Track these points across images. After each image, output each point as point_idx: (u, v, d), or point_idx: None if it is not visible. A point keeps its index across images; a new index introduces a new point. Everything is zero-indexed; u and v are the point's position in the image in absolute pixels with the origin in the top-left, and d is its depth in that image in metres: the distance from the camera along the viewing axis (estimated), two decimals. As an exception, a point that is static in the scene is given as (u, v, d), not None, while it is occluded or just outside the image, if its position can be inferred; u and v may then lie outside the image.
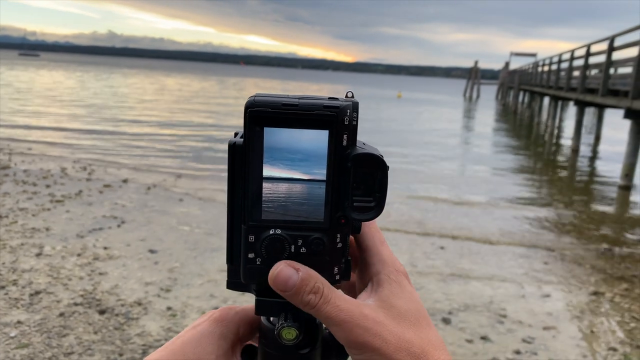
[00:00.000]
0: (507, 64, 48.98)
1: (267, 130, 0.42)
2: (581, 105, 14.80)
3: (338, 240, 0.45)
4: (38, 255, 4.49)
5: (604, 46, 12.47)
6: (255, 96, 0.42)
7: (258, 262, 0.44)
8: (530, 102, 32.89)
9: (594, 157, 14.86)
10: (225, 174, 0.45)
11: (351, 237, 0.49)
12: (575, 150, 14.64)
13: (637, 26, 10.16)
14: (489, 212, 7.45)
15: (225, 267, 0.48)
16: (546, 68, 23.22)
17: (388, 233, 5.85)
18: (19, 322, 3.36)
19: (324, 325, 0.50)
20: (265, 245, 0.44)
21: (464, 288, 4.43)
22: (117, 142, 11.81)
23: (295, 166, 0.43)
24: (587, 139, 17.65)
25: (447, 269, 4.85)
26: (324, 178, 0.43)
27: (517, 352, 3.41)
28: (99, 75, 51.98)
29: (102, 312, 3.55)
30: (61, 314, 3.49)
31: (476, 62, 56.25)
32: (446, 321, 3.76)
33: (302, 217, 0.44)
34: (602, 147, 16.51)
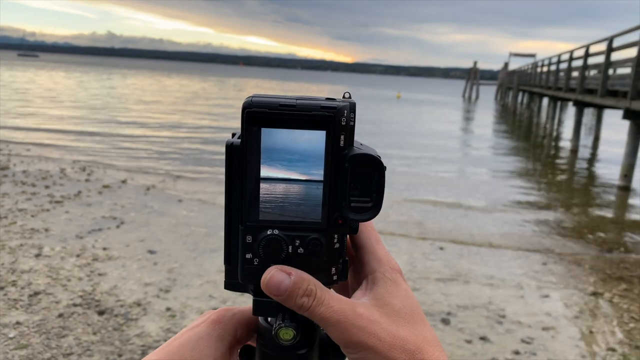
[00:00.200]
0: (506, 65, 49.04)
1: (264, 130, 0.42)
2: (580, 106, 14.81)
3: (335, 240, 0.45)
4: (37, 256, 4.49)
5: (602, 47, 12.49)
6: (252, 97, 0.42)
7: (256, 263, 0.44)
8: (529, 102, 32.92)
9: (593, 157, 14.87)
10: (224, 176, 0.45)
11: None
12: (574, 150, 14.65)
13: (635, 27, 10.17)
14: (488, 213, 7.46)
15: (224, 267, 0.48)
16: (545, 69, 23.24)
17: (387, 235, 5.85)
18: (18, 322, 3.36)
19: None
20: (263, 246, 0.44)
21: (463, 288, 4.43)
22: (117, 144, 11.81)
23: (292, 167, 0.43)
24: (586, 139, 17.66)
25: (446, 270, 4.85)
26: (322, 178, 0.43)
27: (517, 353, 3.41)
28: (99, 76, 51.98)
29: (101, 313, 3.55)
30: (60, 315, 3.48)
31: (475, 63, 56.30)
32: (445, 322, 3.76)
33: (300, 217, 0.44)
34: (601, 148, 16.53)
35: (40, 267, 4.25)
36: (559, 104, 21.12)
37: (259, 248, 0.44)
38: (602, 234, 6.65)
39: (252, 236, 0.44)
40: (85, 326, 3.37)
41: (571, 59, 16.52)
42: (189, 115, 19.63)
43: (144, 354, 3.11)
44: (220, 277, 4.22)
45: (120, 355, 3.08)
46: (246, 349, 0.51)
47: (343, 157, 0.43)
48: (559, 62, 19.29)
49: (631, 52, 10.19)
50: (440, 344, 0.45)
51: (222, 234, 0.47)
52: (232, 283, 0.48)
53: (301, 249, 0.44)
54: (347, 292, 0.48)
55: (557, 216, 7.56)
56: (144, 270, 4.34)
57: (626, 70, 10.79)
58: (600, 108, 15.59)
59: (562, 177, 11.70)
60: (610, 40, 11.88)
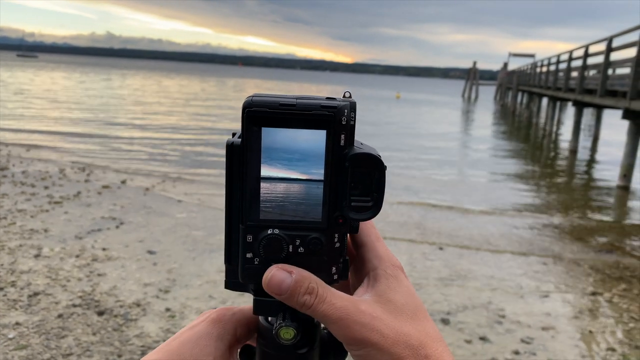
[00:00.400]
0: (505, 65, 49.07)
1: (264, 130, 0.42)
2: (579, 106, 14.82)
3: (336, 240, 0.45)
4: (36, 256, 4.49)
5: (602, 47, 12.50)
6: (252, 96, 0.42)
7: (256, 262, 0.44)
8: (528, 102, 32.95)
9: (592, 157, 14.88)
10: (223, 177, 0.45)
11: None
12: (573, 150, 14.66)
13: (635, 27, 10.18)
14: (487, 214, 7.46)
15: (223, 267, 0.48)
16: (544, 69, 23.25)
17: (387, 234, 5.85)
18: (17, 323, 3.36)
19: (322, 325, 0.51)
20: (264, 245, 0.44)
21: (462, 288, 4.44)
22: (116, 145, 11.81)
23: (293, 166, 0.43)
24: (585, 139, 17.67)
25: (446, 270, 4.85)
26: (322, 178, 0.43)
27: (516, 353, 3.41)
28: (98, 77, 51.97)
29: (100, 314, 3.55)
30: (60, 315, 3.48)
31: (474, 63, 56.34)
32: (445, 322, 3.77)
33: (300, 217, 0.44)
34: (601, 148, 16.54)
35: (39, 267, 4.25)
36: (558, 104, 21.14)
37: (259, 247, 0.44)
38: (601, 234, 6.65)
39: (252, 235, 0.44)
40: (84, 327, 3.37)
41: (570, 59, 16.53)
42: (189, 116, 19.62)
43: (143, 354, 3.11)
44: (220, 277, 4.21)
45: (119, 356, 3.08)
46: (246, 349, 0.51)
47: (343, 156, 0.43)
48: (558, 62, 19.30)
49: (630, 52, 10.20)
50: (444, 339, 0.45)
51: (221, 234, 0.47)
52: (233, 282, 0.48)
53: (302, 249, 0.44)
54: (349, 291, 0.48)
55: (557, 216, 7.57)
56: (144, 271, 4.34)
57: (625, 70, 10.80)
58: (599, 108, 15.60)
59: (561, 177, 11.70)
60: (610, 40, 11.89)
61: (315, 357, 0.50)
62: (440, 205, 7.70)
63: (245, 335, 0.50)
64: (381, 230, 0.47)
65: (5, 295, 3.73)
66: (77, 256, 4.55)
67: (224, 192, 0.46)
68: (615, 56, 11.84)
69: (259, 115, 0.42)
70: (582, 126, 15.73)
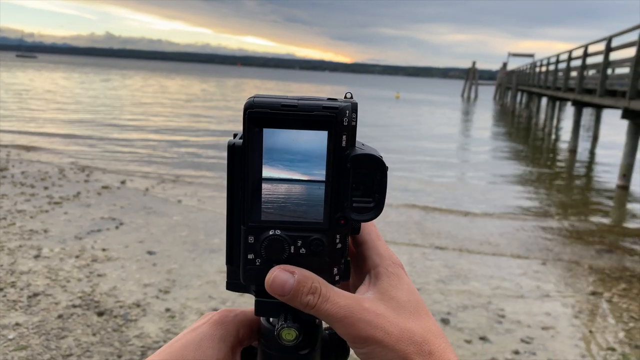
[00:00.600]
0: (504, 65, 49.08)
1: (266, 131, 0.42)
2: (579, 106, 14.83)
3: (337, 240, 0.45)
4: (36, 257, 4.48)
5: (601, 47, 12.51)
6: (254, 97, 0.42)
7: (258, 263, 0.44)
8: (528, 102, 32.96)
9: (591, 157, 14.89)
10: (223, 178, 0.45)
11: None
12: (572, 150, 14.67)
13: (634, 27, 10.18)
14: (487, 213, 7.46)
15: (223, 268, 0.48)
16: (544, 68, 23.27)
17: (387, 236, 5.85)
18: (17, 324, 3.36)
19: (323, 326, 0.51)
20: (265, 246, 0.44)
21: (462, 288, 4.44)
22: (116, 146, 11.80)
23: (294, 167, 0.43)
24: (584, 139, 17.68)
25: (445, 270, 4.85)
26: (323, 179, 0.43)
27: (516, 353, 3.41)
28: (97, 77, 51.94)
29: (100, 314, 3.54)
30: (60, 316, 3.48)
31: (474, 63, 56.37)
32: (445, 321, 3.77)
33: (302, 217, 0.44)
34: (600, 148, 16.55)
35: (39, 268, 4.25)
36: (557, 103, 21.15)
37: (261, 248, 0.44)
38: (601, 234, 6.65)
39: (254, 236, 0.44)
40: (84, 327, 3.37)
41: (570, 58, 16.54)
42: (189, 117, 19.61)
43: (143, 354, 3.10)
44: (220, 278, 4.21)
45: (119, 357, 3.08)
46: (248, 350, 0.51)
47: (345, 157, 0.43)
48: (557, 62, 19.32)
49: (630, 52, 10.21)
50: (445, 336, 0.46)
51: (221, 235, 0.47)
52: (234, 284, 0.48)
53: (303, 249, 0.44)
54: (349, 289, 0.49)
55: (556, 216, 7.57)
56: (143, 271, 4.33)
57: (625, 70, 10.81)
58: (599, 108, 15.61)
59: (560, 177, 11.71)
60: (609, 40, 11.90)
61: (317, 358, 0.50)
62: (439, 205, 7.70)
63: (248, 336, 0.51)
64: (381, 231, 0.46)
65: (5, 296, 3.73)
66: (77, 257, 4.55)
67: (223, 193, 0.46)
68: (614, 56, 11.86)
69: (261, 116, 0.42)
70: (582, 126, 15.73)
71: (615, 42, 11.79)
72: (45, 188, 6.89)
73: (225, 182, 0.45)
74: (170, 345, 0.48)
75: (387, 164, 0.44)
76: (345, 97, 0.45)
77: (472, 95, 56.67)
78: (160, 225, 5.59)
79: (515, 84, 35.47)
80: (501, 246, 5.75)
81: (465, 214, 7.19)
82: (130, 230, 5.37)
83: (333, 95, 0.45)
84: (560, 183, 10.83)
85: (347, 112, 0.42)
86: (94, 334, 3.29)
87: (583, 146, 16.12)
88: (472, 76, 58.32)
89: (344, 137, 0.43)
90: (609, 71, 12.16)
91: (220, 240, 5.12)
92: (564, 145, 16.71)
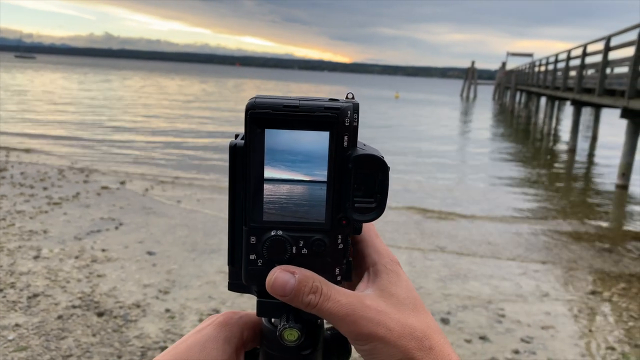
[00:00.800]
0: (503, 64, 49.10)
1: (268, 131, 0.42)
2: (578, 105, 14.84)
3: (339, 241, 0.45)
4: (36, 257, 4.48)
5: (600, 46, 12.51)
6: (255, 98, 0.42)
7: (259, 264, 0.45)
8: (527, 102, 32.98)
9: (591, 156, 14.90)
10: (223, 180, 0.45)
11: None
12: (572, 150, 14.68)
13: (633, 26, 10.19)
14: (487, 213, 7.46)
15: (223, 268, 0.48)
16: (543, 68, 23.28)
17: (387, 236, 5.86)
18: (17, 325, 3.35)
19: (325, 327, 0.51)
20: (267, 247, 0.44)
21: (462, 288, 4.44)
22: (115, 146, 11.80)
23: (296, 167, 0.43)
24: (584, 138, 17.69)
25: (445, 269, 4.85)
26: (325, 179, 0.43)
27: (516, 352, 3.41)
28: (96, 78, 51.91)
29: (100, 315, 3.54)
30: (59, 317, 3.48)
31: (473, 63, 56.40)
32: (445, 321, 3.77)
33: (304, 218, 0.44)
34: (599, 147, 16.56)
35: (39, 268, 4.24)
36: (556, 103, 21.15)
37: (262, 249, 0.44)
38: (600, 233, 6.66)
39: (256, 237, 0.44)
40: (84, 328, 3.37)
41: (569, 58, 16.55)
42: (189, 119, 19.61)
43: (143, 355, 3.10)
44: (220, 278, 4.21)
45: (119, 357, 3.08)
46: (252, 352, 0.52)
47: (347, 157, 0.43)
48: (556, 61, 19.33)
49: (628, 51, 10.21)
50: (443, 331, 0.47)
51: (221, 235, 0.47)
52: (236, 284, 0.48)
53: (305, 250, 0.44)
54: (351, 289, 0.49)
55: (556, 216, 7.58)
56: (143, 272, 4.33)
57: (624, 70, 10.81)
58: (598, 107, 15.62)
59: (559, 177, 11.72)
60: (608, 39, 11.90)
61: (319, 358, 0.50)
62: (439, 206, 7.71)
63: (252, 338, 0.51)
64: (381, 231, 0.47)
65: (4, 296, 3.73)
66: (77, 257, 4.55)
67: (223, 194, 0.46)
68: (613, 55, 11.87)
69: (262, 116, 0.42)
70: (581, 125, 15.75)
71: (614, 42, 11.80)
72: (45, 189, 6.89)
73: (226, 183, 0.46)
74: (175, 346, 0.48)
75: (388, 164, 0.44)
76: (347, 97, 0.45)
77: (471, 95, 56.70)
78: (159, 226, 5.59)
79: (514, 84, 35.49)
80: (500, 246, 5.76)
81: (465, 215, 7.19)
82: (129, 231, 5.37)
83: (332, 95, 0.45)
84: (559, 183, 10.84)
85: (349, 112, 0.43)
86: (93, 335, 3.29)
87: (582, 146, 16.13)
88: (471, 76, 58.36)
89: (346, 138, 0.43)
90: (608, 70, 12.17)
91: (219, 240, 5.12)
92: (563, 144, 16.72)
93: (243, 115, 0.42)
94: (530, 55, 45.55)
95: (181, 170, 9.30)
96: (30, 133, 12.59)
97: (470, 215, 7.12)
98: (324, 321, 0.49)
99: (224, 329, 0.49)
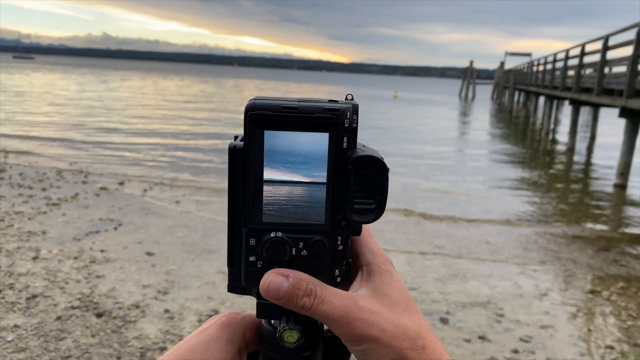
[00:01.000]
0: (502, 64, 49.14)
1: (267, 133, 0.42)
2: (576, 105, 14.86)
3: (339, 242, 0.45)
4: (34, 258, 4.47)
5: (598, 45, 12.53)
6: (255, 99, 0.42)
7: (259, 265, 0.45)
8: (525, 101, 32.98)
9: (589, 156, 14.91)
10: (222, 180, 0.45)
11: None
12: (570, 149, 14.69)
13: (631, 25, 10.20)
14: (485, 213, 7.47)
15: (222, 268, 0.48)
16: (541, 67, 23.30)
17: (387, 236, 5.86)
18: (15, 326, 3.35)
19: (325, 328, 0.51)
20: (266, 248, 0.44)
21: (461, 287, 4.44)
22: (115, 147, 11.79)
23: (295, 169, 0.43)
24: (582, 138, 17.70)
25: (444, 269, 4.86)
26: (325, 181, 0.43)
27: (515, 351, 3.41)
28: (95, 78, 51.85)
29: (99, 315, 3.54)
30: (58, 318, 3.47)
31: (471, 62, 56.42)
32: (444, 321, 3.77)
33: (303, 219, 0.44)
34: (598, 146, 16.58)
35: (37, 269, 4.24)
36: (555, 102, 21.18)
37: (262, 251, 0.44)
38: (599, 233, 6.66)
39: (255, 239, 0.44)
40: (83, 329, 3.36)
41: (567, 57, 16.56)
42: (188, 120, 19.58)
43: (142, 356, 3.10)
44: (219, 279, 4.21)
45: (119, 358, 3.07)
46: (254, 355, 0.52)
47: (346, 159, 0.43)
48: (555, 61, 19.35)
49: (627, 51, 10.23)
50: (434, 331, 0.47)
51: (220, 235, 0.47)
52: (236, 286, 0.48)
53: (305, 251, 0.44)
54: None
55: (554, 216, 7.58)
56: (142, 272, 4.33)
57: (622, 69, 10.83)
58: (596, 106, 15.63)
59: (558, 176, 11.72)
60: (606, 38, 11.92)
61: (319, 359, 0.50)
62: (439, 206, 7.71)
63: (255, 339, 0.51)
64: (380, 232, 0.47)
65: (3, 297, 3.72)
66: (76, 258, 4.54)
67: (222, 195, 0.46)
68: (611, 55, 11.89)
69: (262, 118, 0.42)
70: (579, 125, 15.76)
71: (612, 41, 11.81)
72: (43, 189, 6.88)
73: (225, 185, 0.45)
74: (178, 347, 0.48)
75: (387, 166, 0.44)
76: (346, 98, 0.45)
77: (470, 95, 56.73)
78: (158, 226, 5.59)
79: (512, 83, 35.52)
80: (499, 246, 5.76)
81: (464, 215, 7.19)
82: (128, 231, 5.37)
83: (331, 95, 0.45)
84: (558, 182, 10.85)
85: (348, 113, 0.42)
86: (93, 336, 3.29)
87: (581, 145, 16.14)
88: (469, 75, 58.39)
89: (345, 139, 0.43)
90: (606, 70, 12.18)
91: (218, 240, 5.12)
92: (561, 144, 16.73)
93: (242, 116, 0.42)
94: (528, 54, 45.61)
95: (180, 171, 9.29)
96: (29, 134, 12.57)
97: (469, 216, 7.13)
98: None
99: (227, 329, 0.49)
